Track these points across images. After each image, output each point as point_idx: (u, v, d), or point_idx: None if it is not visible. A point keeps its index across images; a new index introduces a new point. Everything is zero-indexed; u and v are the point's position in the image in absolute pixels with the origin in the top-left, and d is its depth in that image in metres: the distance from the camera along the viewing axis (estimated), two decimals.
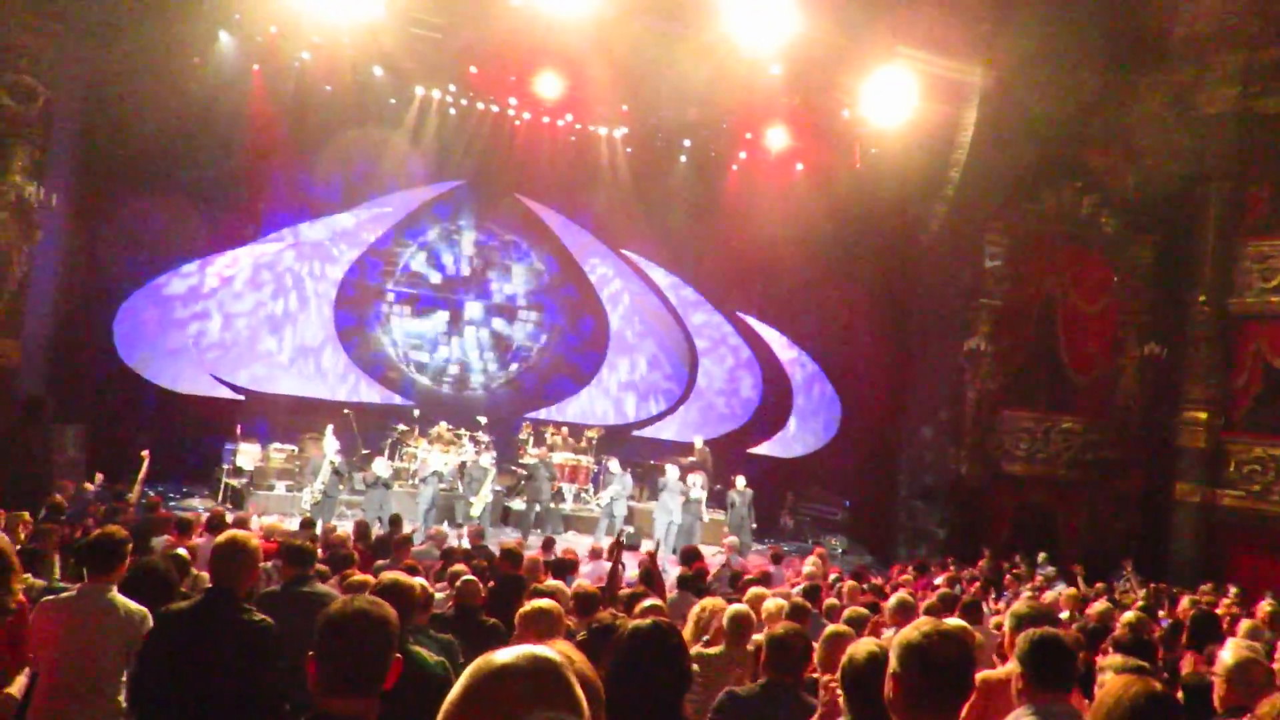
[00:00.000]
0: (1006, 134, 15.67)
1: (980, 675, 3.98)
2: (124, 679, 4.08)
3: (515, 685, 1.37)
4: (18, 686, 4.10)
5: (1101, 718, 2.31)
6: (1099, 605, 8.37)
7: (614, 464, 15.92)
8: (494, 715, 1.35)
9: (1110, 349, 16.84)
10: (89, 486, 11.83)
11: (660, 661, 2.83)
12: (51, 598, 4.32)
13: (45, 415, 13.75)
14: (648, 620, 3.09)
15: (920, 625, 2.54)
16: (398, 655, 2.38)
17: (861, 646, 3.16)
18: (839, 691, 3.11)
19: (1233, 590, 11.33)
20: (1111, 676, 2.47)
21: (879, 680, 2.95)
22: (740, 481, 15.88)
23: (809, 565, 10.69)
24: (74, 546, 5.38)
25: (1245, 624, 6.83)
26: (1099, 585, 11.26)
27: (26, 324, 13.70)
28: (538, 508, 15.52)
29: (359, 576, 5.51)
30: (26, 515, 8.24)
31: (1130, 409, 16.56)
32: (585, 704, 1.41)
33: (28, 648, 4.03)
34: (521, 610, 4.23)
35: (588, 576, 9.33)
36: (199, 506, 13.87)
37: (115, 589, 4.21)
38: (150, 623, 4.15)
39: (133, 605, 4.18)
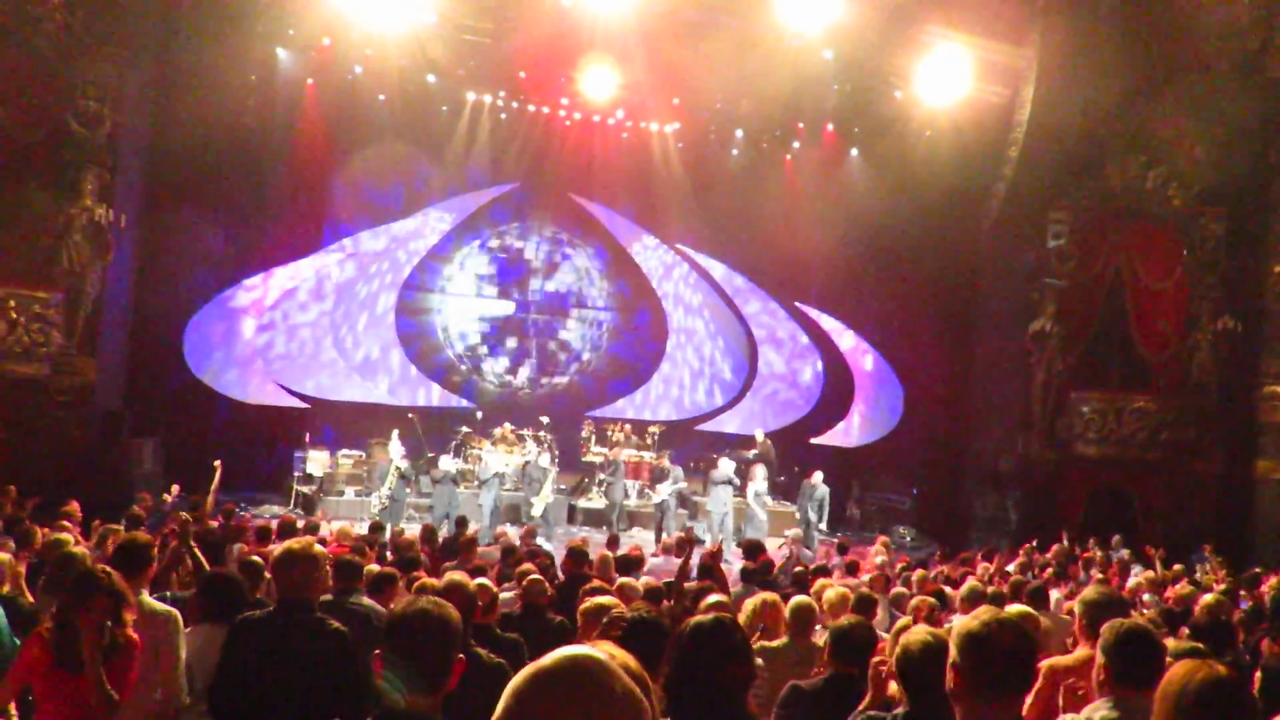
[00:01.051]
0: (1066, 110, 15.31)
1: (1048, 662, 3.91)
2: (161, 678, 4.24)
3: (556, 690, 1.37)
4: None
5: (1166, 707, 2.23)
6: (1179, 589, 8.16)
7: (666, 459, 15.96)
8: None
9: (1183, 325, 16.35)
10: (167, 498, 12.14)
11: (722, 657, 2.81)
12: None
13: (123, 430, 14.18)
14: (709, 616, 3.08)
15: (980, 614, 2.50)
16: (461, 655, 2.42)
17: (915, 635, 3.12)
18: (886, 673, 3.06)
19: None
20: (1176, 663, 2.39)
21: (934, 668, 2.92)
22: (817, 476, 15.69)
23: (878, 556, 10.59)
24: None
25: None
26: (1177, 568, 10.95)
27: (102, 342, 14.13)
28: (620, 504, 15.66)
29: (426, 580, 5.58)
30: (120, 528, 8.49)
31: (1206, 386, 16.07)
32: (637, 696, 1.40)
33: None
34: (582, 608, 4.25)
35: (654, 572, 9.34)
36: (270, 513, 14.16)
37: (145, 591, 4.41)
38: (179, 623, 4.36)
39: (159, 606, 4.37)
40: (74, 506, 9.37)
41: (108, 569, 3.94)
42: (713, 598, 5.24)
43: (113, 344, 14.76)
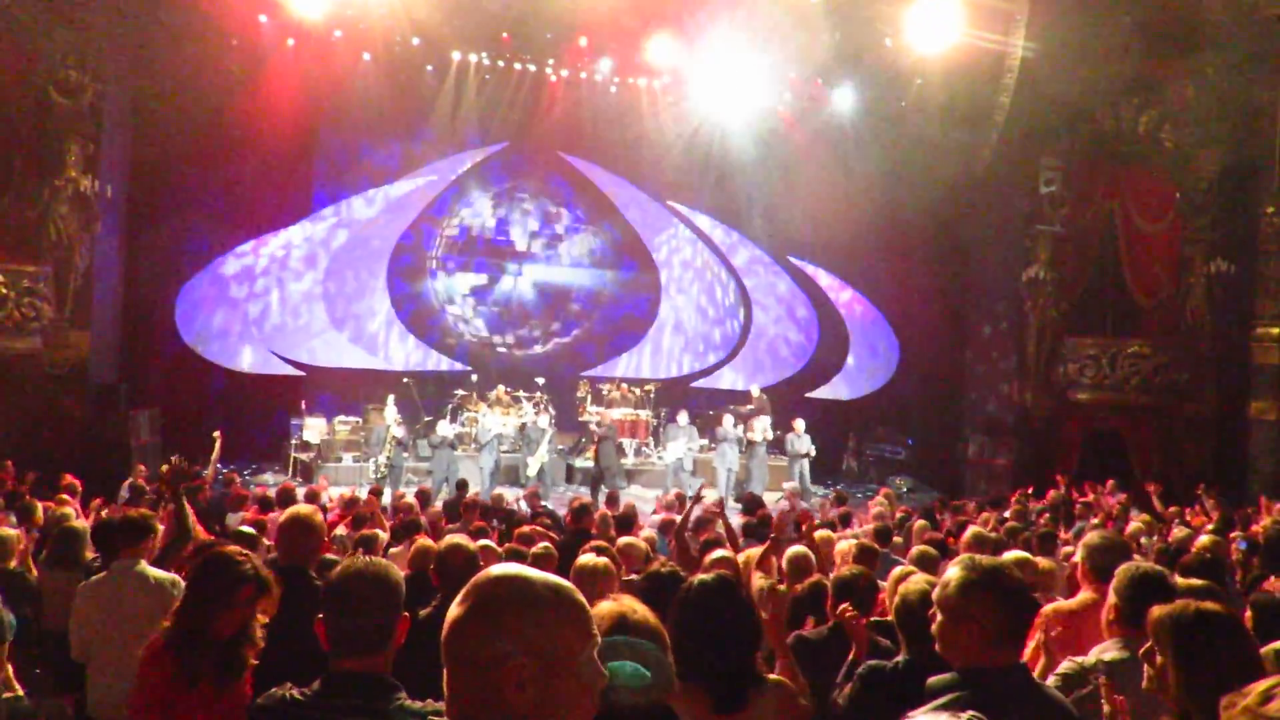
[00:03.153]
0: (1057, 55, 15.17)
1: (1052, 606, 3.95)
2: None
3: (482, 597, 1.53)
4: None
5: (1155, 641, 2.28)
6: (1179, 531, 8.23)
7: (683, 417, 15.95)
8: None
9: (1176, 268, 16.35)
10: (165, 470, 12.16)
11: (726, 614, 2.83)
12: (87, 581, 4.56)
13: (119, 402, 14.17)
14: (711, 574, 3.11)
15: (974, 561, 2.52)
16: (405, 615, 2.42)
17: (914, 584, 3.16)
18: (856, 621, 3.08)
19: None
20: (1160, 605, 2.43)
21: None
22: (799, 425, 15.80)
23: (877, 506, 10.66)
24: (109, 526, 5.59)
25: None
26: (1173, 509, 11.04)
27: (94, 315, 14.07)
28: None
29: (423, 542, 5.61)
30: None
31: (1200, 328, 16.11)
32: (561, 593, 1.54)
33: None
34: (574, 566, 4.28)
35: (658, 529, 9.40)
36: (270, 481, 14.21)
37: (144, 562, 4.45)
38: (182, 588, 4.27)
39: (162, 574, 4.42)
40: (72, 480, 9.39)
41: (245, 552, 3.34)
42: (718, 553, 5.28)
43: (105, 316, 14.71)
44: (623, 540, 7.12)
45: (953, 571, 2.51)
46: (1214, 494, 11.50)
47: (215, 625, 3.08)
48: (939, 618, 2.51)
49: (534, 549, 4.33)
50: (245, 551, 3.34)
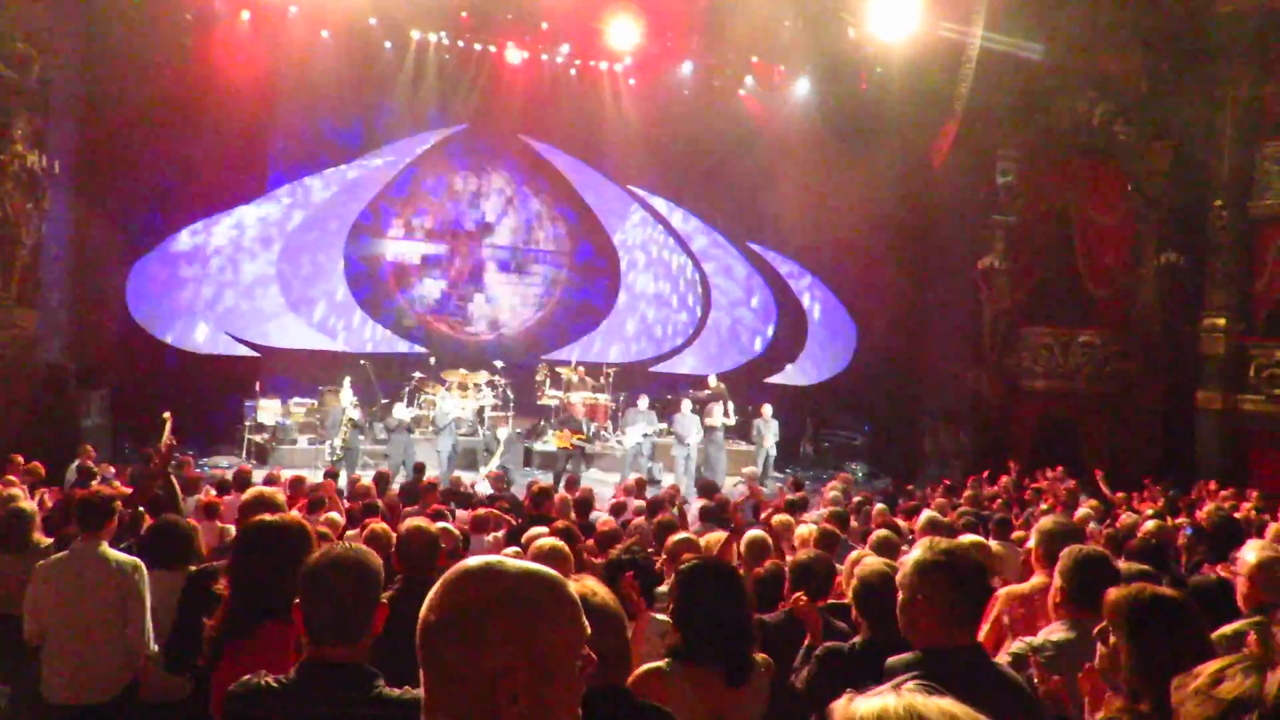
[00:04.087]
0: (1015, 45, 15.33)
1: (1005, 590, 4.02)
2: (126, 628, 4.26)
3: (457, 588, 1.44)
4: None
5: (1110, 623, 2.33)
6: (1127, 517, 8.41)
7: (642, 401, 15.94)
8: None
9: (1128, 260, 16.65)
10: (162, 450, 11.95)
11: (731, 595, 2.98)
12: (45, 560, 4.50)
13: (68, 383, 13.88)
14: (694, 560, 3.26)
15: (935, 544, 2.56)
16: (383, 602, 2.39)
17: (871, 566, 3.22)
18: (805, 606, 3.17)
19: (1255, 494, 11.36)
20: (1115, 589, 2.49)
21: (891, 598, 3.02)
22: (766, 410, 15.90)
23: (832, 491, 10.77)
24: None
25: (1274, 527, 6.84)
26: (1120, 495, 11.27)
27: (42, 293, 13.76)
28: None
29: (375, 526, 5.56)
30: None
31: (1150, 319, 16.41)
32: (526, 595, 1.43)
33: None
34: (530, 549, 4.29)
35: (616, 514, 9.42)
36: (224, 464, 14.03)
37: (105, 544, 4.40)
38: (144, 572, 4.35)
39: (124, 557, 4.37)
40: (18, 460, 9.22)
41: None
42: (679, 535, 5.30)
43: (53, 294, 14.38)
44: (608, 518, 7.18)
45: (913, 553, 2.55)
46: (1162, 486, 11.73)
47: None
48: (900, 598, 2.55)
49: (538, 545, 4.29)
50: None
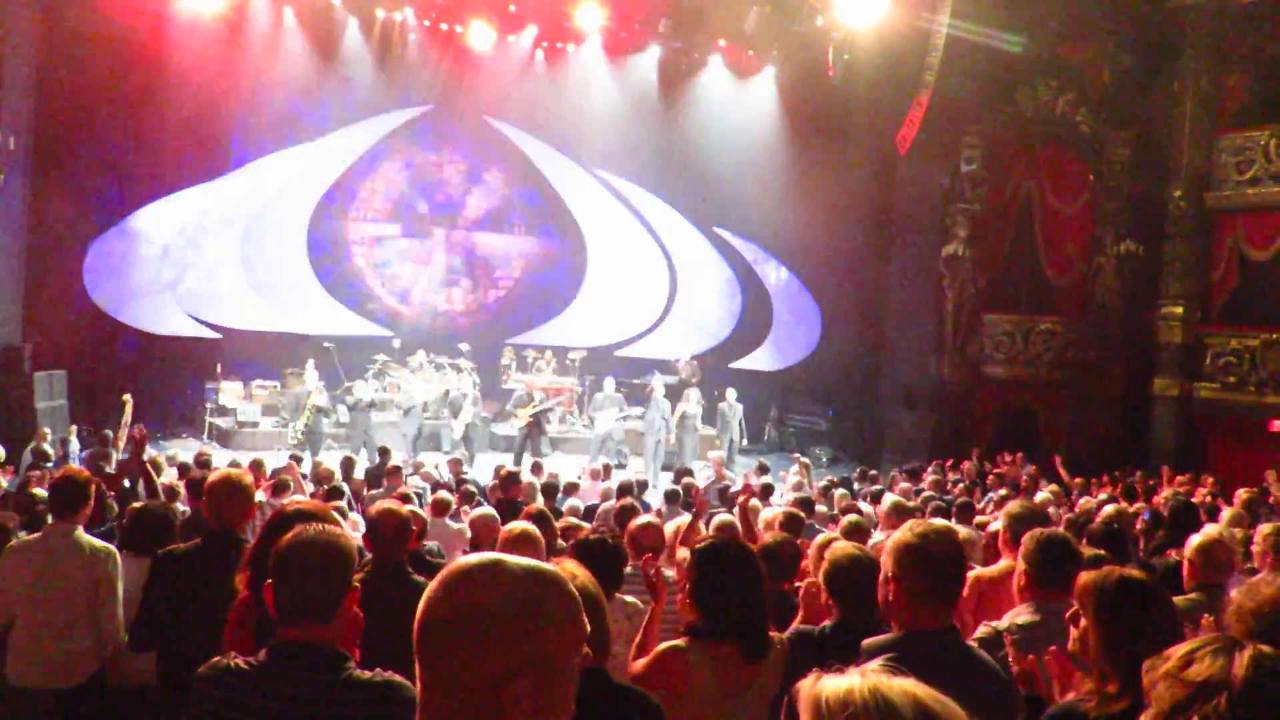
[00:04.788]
0: (980, 33, 15.42)
1: (973, 573, 4.07)
2: (99, 614, 4.21)
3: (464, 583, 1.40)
4: None
5: (1080, 606, 2.37)
6: (1085, 502, 8.54)
7: (608, 384, 15.89)
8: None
9: (1089, 248, 16.88)
10: (71, 435, 11.78)
11: (748, 573, 3.05)
12: (17, 541, 4.46)
13: (22, 364, 13.63)
14: (721, 539, 3.35)
15: (913, 527, 2.59)
16: (355, 585, 2.37)
17: (841, 549, 3.25)
18: (822, 590, 3.23)
19: (1209, 481, 11.59)
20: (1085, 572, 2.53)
21: (862, 581, 3.07)
22: (731, 394, 15.98)
23: (793, 475, 10.84)
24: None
25: (1228, 512, 6.99)
26: (1078, 480, 11.46)
27: None
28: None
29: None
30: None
31: (1109, 307, 16.67)
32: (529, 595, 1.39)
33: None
34: (501, 535, 4.29)
35: (584, 496, 9.43)
36: (183, 449, 13.85)
37: (80, 529, 4.32)
38: (118, 559, 4.29)
39: (98, 543, 4.30)
40: None
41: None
42: (642, 518, 5.31)
43: (7, 274, 14.08)
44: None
45: (894, 536, 2.57)
46: (1121, 472, 11.92)
47: None
48: (880, 579, 2.58)
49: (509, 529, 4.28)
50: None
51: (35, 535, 4.40)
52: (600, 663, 2.53)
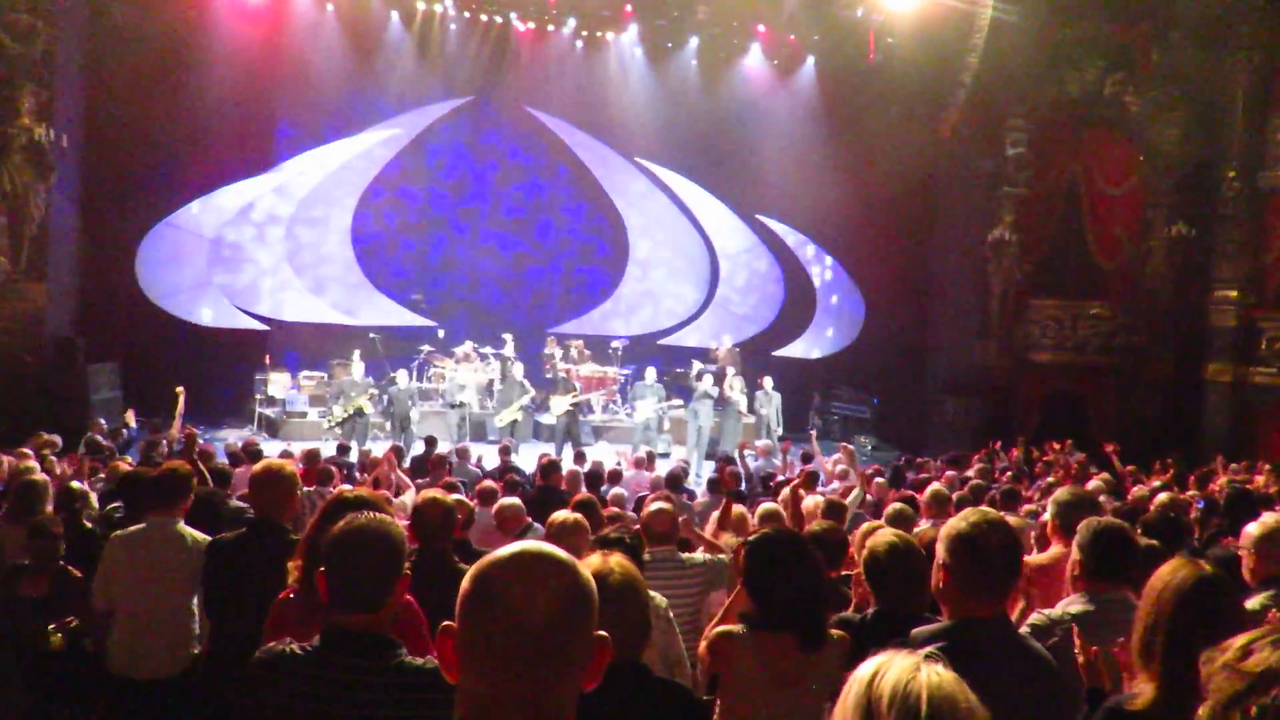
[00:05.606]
0: (1025, 15, 15.18)
1: (1026, 560, 4.02)
2: (195, 607, 4.27)
3: (511, 571, 1.42)
4: None
5: (1149, 605, 2.30)
6: (1138, 490, 8.40)
7: (650, 374, 15.90)
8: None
9: (1138, 232, 16.56)
10: (129, 421, 11.98)
11: (803, 563, 3.05)
12: (121, 532, 4.48)
13: (77, 356, 13.91)
14: (760, 531, 3.37)
15: (967, 515, 2.56)
16: (405, 574, 2.41)
17: (881, 538, 3.23)
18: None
19: (1266, 468, 11.34)
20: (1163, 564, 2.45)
21: (901, 569, 3.05)
22: (768, 383, 15.92)
23: (839, 465, 10.76)
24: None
25: None
26: (1131, 468, 11.26)
27: (51, 267, 13.76)
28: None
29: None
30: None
31: (1159, 291, 16.35)
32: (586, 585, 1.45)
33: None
34: (549, 523, 4.32)
35: (626, 485, 9.46)
36: (231, 437, 14.05)
37: (181, 521, 4.38)
38: None
39: (200, 535, 4.34)
40: (50, 437, 9.27)
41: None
42: (654, 506, 5.25)
43: (62, 268, 14.38)
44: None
45: (948, 524, 2.56)
46: (1171, 459, 11.68)
47: None
48: (934, 567, 2.56)
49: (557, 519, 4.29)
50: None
51: (138, 527, 4.44)
52: (639, 654, 2.54)
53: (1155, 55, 15.82)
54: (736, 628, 3.02)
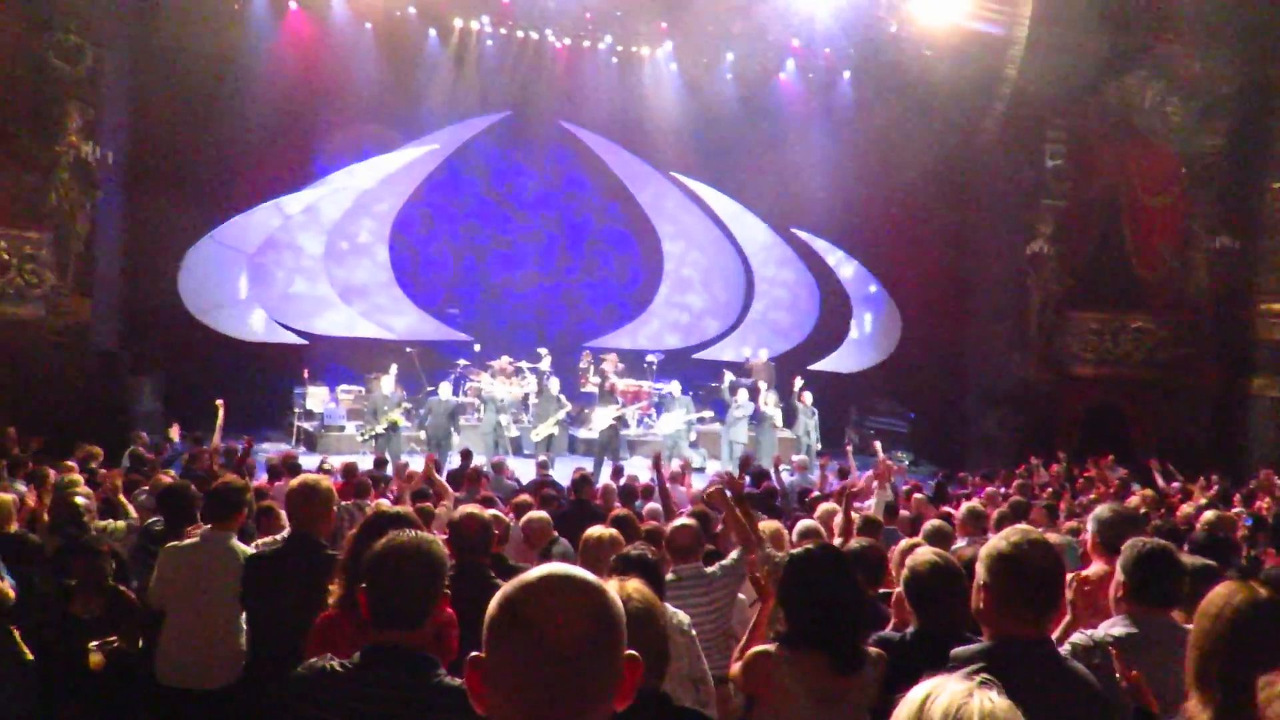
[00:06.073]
0: (1065, 26, 15.05)
1: (1070, 574, 3.96)
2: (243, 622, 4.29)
3: (541, 594, 1.41)
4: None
5: (1204, 629, 2.25)
6: (1186, 508, 8.25)
7: (675, 386, 15.87)
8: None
9: (1180, 243, 16.32)
10: (173, 436, 12.13)
11: (841, 582, 3.01)
12: (175, 544, 4.54)
13: (121, 369, 14.14)
14: (799, 549, 3.30)
15: (1009, 535, 2.53)
16: (446, 591, 2.41)
17: (922, 556, 3.19)
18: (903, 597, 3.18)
19: None
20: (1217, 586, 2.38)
21: (941, 588, 3.00)
22: (808, 398, 15.81)
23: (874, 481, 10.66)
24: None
25: None
26: (1175, 485, 11.06)
27: (96, 281, 14.02)
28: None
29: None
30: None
31: (1202, 304, 16.10)
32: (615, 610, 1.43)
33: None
34: (584, 538, 4.32)
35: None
36: (270, 449, 14.19)
37: (235, 536, 4.43)
38: None
39: (251, 550, 4.39)
40: (92, 449, 9.41)
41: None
42: (678, 520, 5.25)
43: (107, 283, 14.66)
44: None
45: (989, 543, 2.52)
46: (1216, 475, 11.47)
47: None
48: (974, 587, 2.53)
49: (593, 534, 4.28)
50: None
51: (192, 540, 4.50)
52: (658, 683, 2.51)
53: (1197, 65, 15.61)
54: (772, 647, 2.99)
